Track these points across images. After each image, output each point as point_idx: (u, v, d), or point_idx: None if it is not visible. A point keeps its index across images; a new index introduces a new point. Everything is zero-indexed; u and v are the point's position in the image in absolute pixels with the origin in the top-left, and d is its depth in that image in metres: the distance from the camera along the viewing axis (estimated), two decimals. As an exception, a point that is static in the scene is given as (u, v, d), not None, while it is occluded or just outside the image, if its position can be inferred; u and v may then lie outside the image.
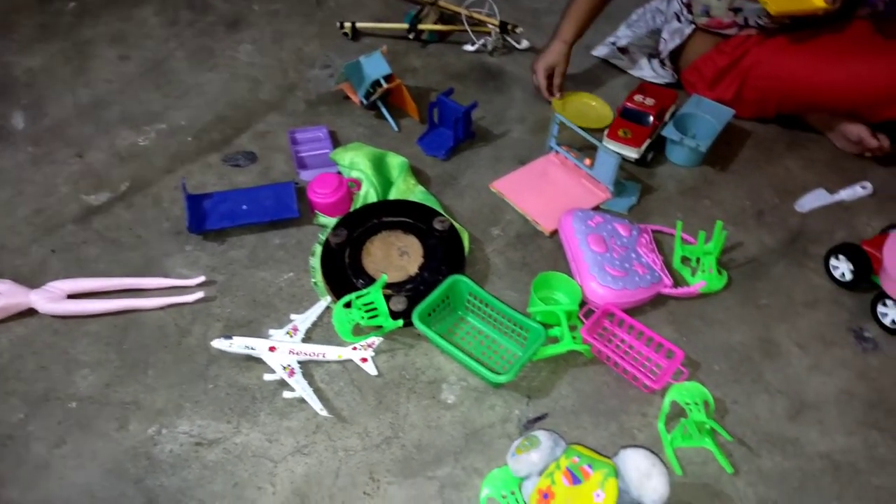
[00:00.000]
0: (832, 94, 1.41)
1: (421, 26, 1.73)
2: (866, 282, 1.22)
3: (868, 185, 1.44)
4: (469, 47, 1.74)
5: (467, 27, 1.72)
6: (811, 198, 1.42)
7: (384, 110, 1.54)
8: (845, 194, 1.43)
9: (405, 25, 1.74)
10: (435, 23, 1.76)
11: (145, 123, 1.53)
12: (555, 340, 1.12)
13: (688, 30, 1.57)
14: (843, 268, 1.24)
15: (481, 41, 1.73)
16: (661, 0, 1.87)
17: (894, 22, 1.42)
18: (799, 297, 1.25)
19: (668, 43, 1.63)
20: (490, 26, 1.74)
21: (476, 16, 1.77)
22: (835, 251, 1.25)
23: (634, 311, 1.21)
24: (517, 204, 1.39)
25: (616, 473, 0.87)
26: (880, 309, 1.19)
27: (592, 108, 1.63)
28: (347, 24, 1.75)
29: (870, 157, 1.50)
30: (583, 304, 1.19)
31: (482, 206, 1.40)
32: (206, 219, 1.29)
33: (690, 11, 1.56)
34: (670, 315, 1.22)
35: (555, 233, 1.33)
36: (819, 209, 1.41)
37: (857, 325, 1.20)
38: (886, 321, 1.18)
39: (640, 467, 0.86)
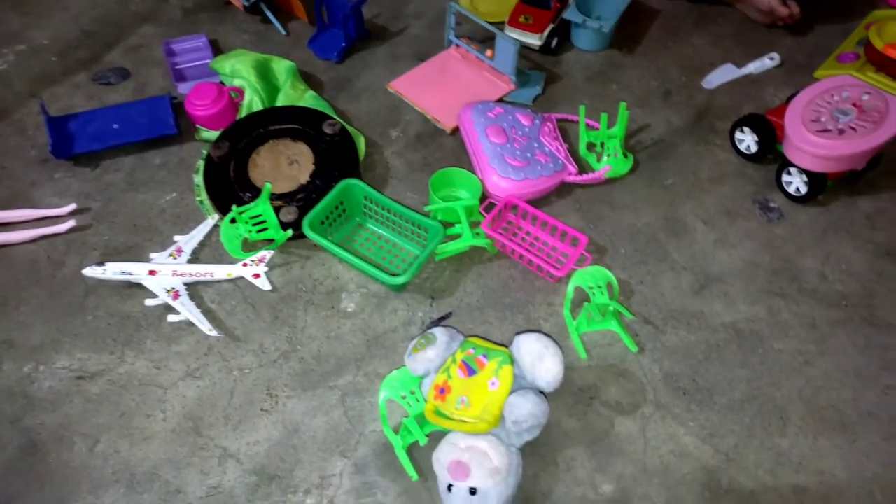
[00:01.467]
0: None
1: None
2: (771, 152, 1.20)
3: (776, 56, 1.40)
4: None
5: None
6: (719, 74, 1.38)
7: (269, 13, 1.42)
8: (753, 67, 1.39)
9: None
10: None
11: (2, 45, 1.38)
12: (457, 238, 1.08)
13: None
14: (748, 140, 1.22)
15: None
16: None
17: None
18: (705, 173, 1.22)
19: None
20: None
21: None
22: (739, 124, 1.22)
23: (540, 201, 1.17)
24: (416, 102, 1.31)
25: (511, 360, 0.85)
26: (784, 178, 1.17)
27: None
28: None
29: (781, 25, 1.46)
30: (485, 198, 1.14)
31: (380, 107, 1.32)
32: (73, 142, 1.18)
33: None
34: (576, 203, 1.18)
35: (456, 130, 1.26)
36: (727, 84, 1.37)
37: (763, 196, 1.19)
38: (791, 189, 1.17)
39: (532, 350, 0.84)
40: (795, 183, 1.16)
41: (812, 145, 1.09)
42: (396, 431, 0.89)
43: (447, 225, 1.11)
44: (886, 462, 0.90)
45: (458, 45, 1.39)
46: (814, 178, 1.13)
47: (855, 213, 1.16)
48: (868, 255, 1.11)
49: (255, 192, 1.10)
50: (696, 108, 1.33)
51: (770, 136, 1.19)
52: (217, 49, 1.39)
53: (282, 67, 1.29)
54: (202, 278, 1.04)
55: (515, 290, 1.07)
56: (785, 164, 1.16)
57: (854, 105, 1.12)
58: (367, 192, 1.10)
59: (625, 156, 1.22)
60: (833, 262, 1.10)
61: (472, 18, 1.32)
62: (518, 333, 0.89)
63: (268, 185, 1.07)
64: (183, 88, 1.29)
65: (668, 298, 1.06)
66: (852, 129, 1.08)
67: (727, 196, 1.19)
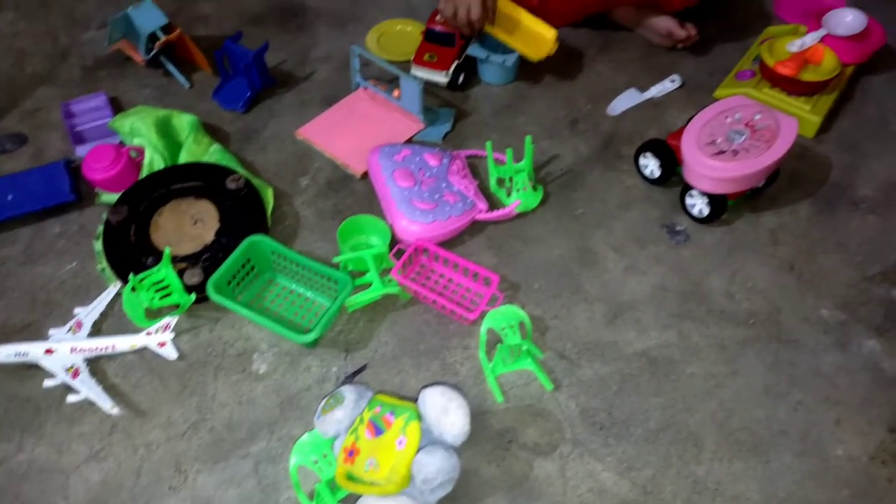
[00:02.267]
0: None
1: (205, -32, 1.57)
2: (674, 175, 1.23)
3: (677, 78, 1.44)
4: (264, -15, 1.60)
5: (255, -37, 1.57)
6: (623, 99, 1.41)
7: (170, 66, 1.40)
8: (655, 91, 1.42)
9: (188, -31, 1.57)
10: (223, -38, 1.60)
11: None
12: (368, 287, 1.07)
13: None
14: (651, 165, 1.24)
15: (275, -23, 1.59)
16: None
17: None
18: (613, 200, 1.24)
19: None
20: (282, -41, 1.59)
21: (265, -51, 1.62)
22: (642, 149, 1.25)
23: (453, 241, 1.17)
24: (325, 148, 1.30)
25: (418, 416, 0.83)
26: (687, 200, 1.20)
27: (409, 34, 1.53)
28: (121, -24, 1.56)
29: (681, 48, 1.49)
30: (395, 243, 1.13)
31: (288, 156, 1.30)
32: (-38, 218, 1.13)
33: None
34: (489, 240, 1.18)
35: (367, 174, 1.26)
36: (631, 110, 1.40)
37: (670, 219, 1.21)
38: (694, 211, 1.19)
39: (436, 404, 0.83)
40: (698, 205, 1.18)
41: (709, 168, 1.11)
42: (311, 498, 0.87)
43: (358, 274, 1.10)
44: (798, 480, 0.92)
45: (365, 87, 1.39)
46: (714, 200, 1.16)
47: (758, 230, 1.19)
48: (772, 270, 1.14)
49: (158, 255, 1.07)
50: (602, 135, 1.35)
51: (671, 160, 1.21)
52: (118, 107, 1.35)
53: (184, 122, 1.27)
54: (104, 352, 1.00)
55: (430, 335, 1.06)
56: (687, 187, 1.19)
57: (747, 125, 1.15)
58: (275, 248, 1.08)
59: (534, 189, 1.23)
60: (739, 281, 1.12)
61: (375, 61, 1.32)
62: (424, 387, 0.88)
63: (167, 249, 1.04)
64: (82, 151, 1.26)
65: (582, 331, 1.06)
66: (746, 149, 1.12)
67: (635, 222, 1.21)
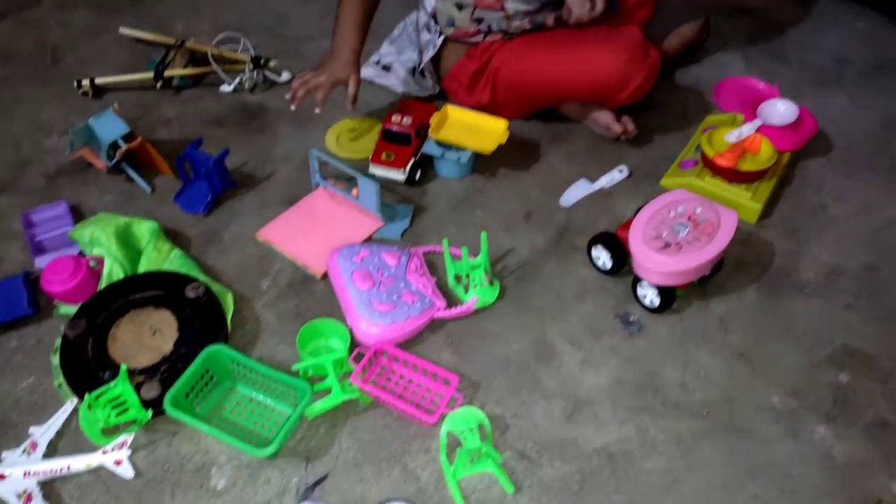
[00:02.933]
0: (570, 83, 1.47)
1: (168, 73, 1.62)
2: (625, 265, 1.27)
3: (624, 168, 1.50)
4: (226, 88, 1.65)
5: (217, 68, 1.62)
6: (574, 190, 1.46)
7: (131, 172, 1.43)
8: (604, 181, 1.48)
9: (151, 75, 1.62)
10: (185, 66, 1.65)
11: None
12: (328, 392, 1.07)
13: (438, 40, 1.57)
14: (602, 257, 1.28)
15: (237, 80, 1.65)
16: (418, 11, 1.88)
17: (617, 16, 1.50)
18: (569, 292, 1.27)
19: (424, 54, 1.62)
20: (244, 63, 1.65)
21: (227, 54, 1.68)
22: (594, 241, 1.29)
23: (412, 340, 1.18)
24: (285, 250, 1.33)
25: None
26: (639, 290, 1.23)
27: (367, 132, 1.59)
28: (86, 83, 1.60)
29: (624, 139, 1.56)
30: (354, 346, 1.15)
31: (249, 258, 1.32)
32: (-85, 338, 1.12)
33: (437, 23, 1.55)
34: (448, 337, 1.20)
35: (326, 274, 1.28)
36: (583, 200, 1.45)
37: (623, 309, 1.24)
38: (646, 301, 1.23)
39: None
40: (649, 295, 1.22)
41: (655, 263, 1.16)
42: None
43: (318, 379, 1.10)
44: (758, 576, 0.92)
45: (324, 186, 1.43)
46: (664, 291, 1.19)
47: (708, 318, 1.23)
48: (723, 359, 1.17)
49: (115, 369, 1.07)
50: (556, 226, 1.40)
51: (621, 251, 1.25)
52: (79, 214, 1.37)
53: (144, 229, 1.28)
54: (59, 474, 0.98)
55: (391, 439, 1.06)
56: (638, 278, 1.23)
57: (689, 219, 1.21)
58: (234, 357, 1.08)
59: (491, 283, 1.26)
60: (692, 371, 1.15)
61: (333, 163, 1.37)
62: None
63: (123, 366, 1.04)
64: (41, 262, 1.26)
65: (542, 429, 1.08)
66: (689, 243, 1.16)
67: (590, 313, 1.24)
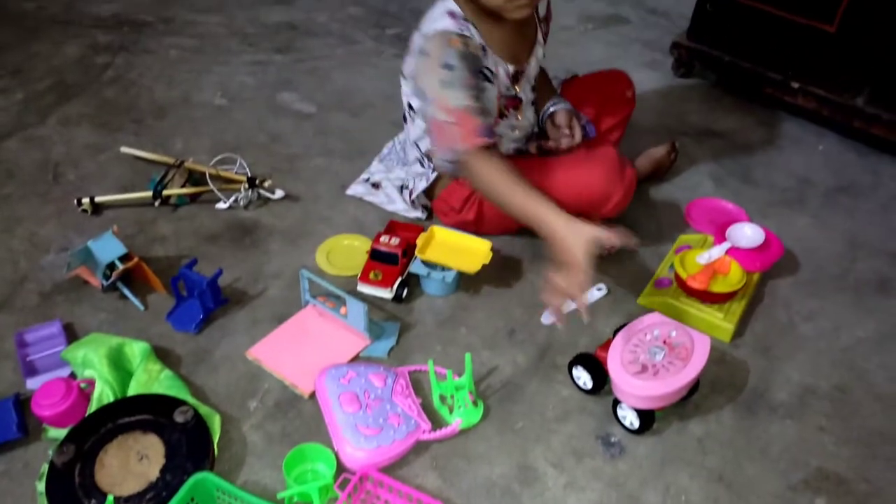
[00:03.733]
0: (555, 200, 1.53)
1: (166, 192, 1.69)
2: (605, 385, 1.31)
3: (603, 286, 1.56)
4: (221, 205, 1.73)
5: (214, 188, 1.70)
6: (555, 308, 1.51)
7: (126, 291, 1.47)
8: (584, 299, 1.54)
9: (150, 193, 1.69)
10: (183, 185, 1.73)
11: None
12: (313, 521, 1.08)
13: (432, 175, 1.64)
14: (583, 377, 1.32)
15: (232, 198, 1.72)
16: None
17: (593, 140, 1.61)
18: (551, 413, 1.30)
19: (416, 185, 1.68)
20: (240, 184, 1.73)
21: (224, 174, 1.77)
22: (574, 362, 1.33)
23: (398, 463, 1.20)
24: (273, 369, 1.35)
25: None
26: (619, 412, 1.27)
27: (356, 248, 1.65)
28: (86, 201, 1.67)
29: (605, 256, 1.63)
30: (340, 471, 1.16)
31: (238, 378, 1.34)
32: None
33: (430, 160, 1.63)
34: (433, 460, 1.22)
35: (314, 394, 1.30)
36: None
37: (605, 430, 1.27)
38: (626, 423, 1.26)
39: None
40: (629, 417, 1.25)
41: (633, 387, 1.20)
42: None
43: (304, 506, 1.11)
44: None
45: (314, 304, 1.47)
46: (643, 414, 1.23)
47: (687, 439, 1.26)
48: (703, 482, 1.19)
49: (102, 497, 1.07)
50: (538, 345, 1.44)
51: (600, 372, 1.30)
52: (72, 333, 1.40)
53: (136, 350, 1.31)
54: None
55: (376, 570, 1.06)
56: (618, 399, 1.27)
57: (664, 342, 1.26)
58: (220, 485, 1.09)
59: (475, 404, 1.29)
60: (673, 495, 1.17)
61: (323, 285, 1.42)
62: None
63: (110, 497, 1.05)
64: (32, 383, 1.28)
65: (526, 558, 1.08)
66: (665, 367, 1.21)
67: (573, 434, 1.27)
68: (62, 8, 2.57)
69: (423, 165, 1.67)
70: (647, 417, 1.23)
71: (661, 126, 2.10)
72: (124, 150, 1.86)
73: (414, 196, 1.69)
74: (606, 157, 1.52)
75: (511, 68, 1.48)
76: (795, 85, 2.01)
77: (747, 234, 1.55)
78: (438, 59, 1.32)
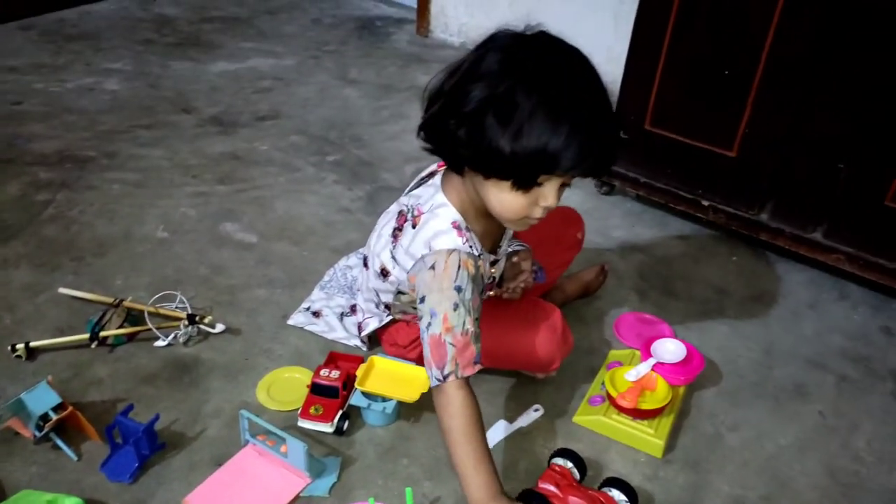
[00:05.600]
0: (498, 360, 1.59)
1: (104, 333, 1.69)
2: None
3: (539, 407, 1.61)
4: (160, 343, 1.73)
5: (152, 327, 1.72)
6: (493, 432, 1.55)
7: (59, 441, 1.44)
8: (522, 421, 1.58)
9: (86, 336, 1.69)
10: (121, 325, 1.74)
11: None
12: None
13: (386, 319, 1.66)
14: (530, 510, 1.34)
15: (171, 336, 1.74)
16: (348, 257, 2.06)
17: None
18: (493, 546, 1.31)
19: (368, 323, 1.70)
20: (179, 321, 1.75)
21: (163, 312, 1.79)
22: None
23: None
24: (212, 517, 1.34)
25: None
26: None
27: (297, 381, 1.66)
28: (20, 346, 1.66)
29: (541, 378, 1.68)
30: None
31: (174, 529, 1.32)
32: None
33: (388, 308, 1.64)
34: None
35: (253, 541, 1.29)
36: (503, 441, 1.54)
37: (546, 560, 1.28)
38: (567, 552, 1.28)
39: None
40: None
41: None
42: None
43: None
44: None
45: (254, 444, 1.47)
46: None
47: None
48: None
49: None
50: (479, 472, 1.46)
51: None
52: (1, 491, 1.36)
53: (68, 506, 1.28)
54: None
55: None
56: None
57: None
58: None
59: (417, 541, 1.29)
60: None
61: (263, 424, 1.43)
62: None
63: None
64: (-47, 550, 1.23)
65: None
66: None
67: (515, 567, 1.27)
68: (3, 146, 2.61)
69: (377, 308, 1.66)
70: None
71: (587, 242, 2.20)
72: (62, 290, 1.86)
73: (364, 335, 1.72)
74: (553, 326, 1.55)
75: (491, 257, 1.47)
76: (706, 203, 2.19)
77: (670, 349, 1.64)
78: (450, 279, 1.28)
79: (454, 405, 1.29)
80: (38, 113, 2.88)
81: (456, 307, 1.28)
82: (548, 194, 1.23)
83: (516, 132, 1.14)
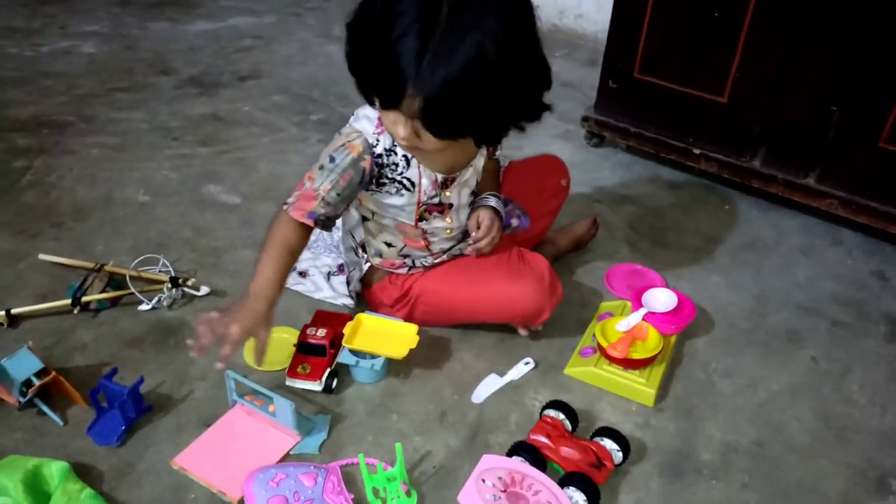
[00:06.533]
0: (488, 313, 1.60)
1: (85, 298, 1.66)
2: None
3: (530, 360, 1.60)
4: (144, 307, 1.71)
5: (134, 290, 1.69)
6: (484, 386, 1.54)
7: (44, 407, 1.42)
8: (513, 374, 1.57)
9: (68, 301, 1.66)
10: (103, 289, 1.71)
11: None
12: None
13: (365, 266, 1.66)
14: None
15: (155, 299, 1.71)
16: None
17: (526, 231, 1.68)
18: (484, 496, 1.31)
19: (352, 276, 1.70)
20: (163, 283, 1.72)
21: (145, 275, 1.75)
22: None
23: (331, 566, 1.18)
24: (200, 476, 1.32)
25: None
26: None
27: (285, 341, 1.64)
28: (1, 314, 1.62)
29: (527, 333, 1.66)
30: (271, 582, 1.13)
31: (163, 490, 1.31)
32: None
33: (364, 251, 1.66)
34: (367, 559, 1.20)
35: (242, 500, 1.28)
36: (494, 395, 1.53)
37: (538, 509, 1.28)
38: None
39: None
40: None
41: None
42: None
43: None
44: None
45: (241, 404, 1.46)
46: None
47: (618, 511, 1.28)
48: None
49: None
50: (469, 425, 1.45)
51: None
52: (-15, 460, 1.34)
53: (54, 471, 1.27)
54: None
55: None
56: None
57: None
58: None
59: (408, 494, 1.28)
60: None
61: (249, 384, 1.41)
62: None
63: None
64: (-61, 518, 1.21)
65: None
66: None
67: (507, 518, 1.27)
68: (-23, 113, 2.55)
69: (356, 255, 1.68)
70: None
71: (578, 195, 2.19)
72: (42, 257, 1.83)
73: (351, 288, 1.71)
74: (538, 274, 1.54)
75: (439, 177, 1.46)
76: (697, 151, 2.15)
77: (661, 298, 1.62)
78: (334, 149, 1.39)
79: (278, 226, 1.44)
80: (12, 78, 2.81)
81: (321, 168, 1.39)
82: (395, 122, 1.26)
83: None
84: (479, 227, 1.54)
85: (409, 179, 1.44)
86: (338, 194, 1.39)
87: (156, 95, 2.74)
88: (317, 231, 1.97)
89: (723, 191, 2.25)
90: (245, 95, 2.77)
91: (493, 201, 1.57)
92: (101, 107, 2.64)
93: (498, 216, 1.56)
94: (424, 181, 1.45)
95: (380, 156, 1.40)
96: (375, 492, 1.30)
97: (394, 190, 1.45)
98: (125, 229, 1.99)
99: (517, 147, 2.43)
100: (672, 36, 2.06)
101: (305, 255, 1.91)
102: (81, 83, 2.79)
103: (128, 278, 1.71)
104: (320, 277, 1.83)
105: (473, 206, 1.58)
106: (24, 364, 1.40)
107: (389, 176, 1.43)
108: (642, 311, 1.58)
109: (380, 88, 1.23)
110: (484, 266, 1.57)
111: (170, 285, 1.71)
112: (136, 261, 1.77)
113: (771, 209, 2.17)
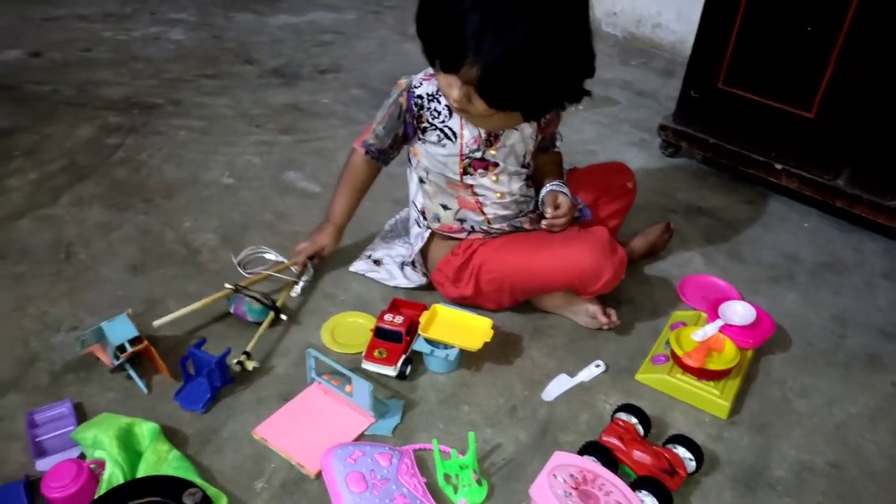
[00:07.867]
0: (547, 277, 1.62)
1: (279, 302, 1.73)
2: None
3: (601, 363, 1.60)
4: (297, 290, 1.77)
5: (295, 278, 1.79)
6: (555, 385, 1.55)
7: (132, 373, 1.49)
8: (583, 375, 1.58)
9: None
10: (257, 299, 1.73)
11: None
12: None
13: (426, 234, 1.72)
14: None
15: (304, 278, 1.80)
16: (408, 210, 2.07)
17: (589, 223, 1.69)
18: (554, 492, 1.32)
19: (414, 246, 1.77)
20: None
21: (274, 270, 1.79)
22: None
23: (403, 545, 1.21)
24: (280, 448, 1.37)
25: None
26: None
27: (360, 326, 1.68)
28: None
29: (607, 329, 1.68)
30: (347, 554, 1.17)
31: (244, 458, 1.36)
32: None
33: (425, 218, 1.72)
34: (439, 541, 1.23)
35: (320, 473, 1.32)
36: (564, 394, 1.54)
37: (608, 510, 1.29)
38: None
39: None
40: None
41: None
42: None
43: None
44: None
45: (319, 382, 1.50)
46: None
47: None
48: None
49: (109, 583, 1.08)
50: (539, 421, 1.47)
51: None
52: (82, 413, 1.42)
53: (145, 430, 1.33)
54: None
55: None
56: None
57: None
58: None
59: (479, 484, 1.31)
60: (677, 576, 1.18)
61: (329, 363, 1.45)
62: None
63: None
64: (42, 465, 1.29)
65: None
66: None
67: (576, 515, 1.28)
68: (75, 91, 2.69)
69: (419, 225, 1.75)
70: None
71: (652, 204, 2.18)
72: (156, 323, 1.62)
73: (413, 256, 1.76)
74: (597, 236, 1.59)
75: (482, 132, 1.54)
76: (778, 166, 2.12)
77: (739, 311, 1.60)
78: (391, 92, 1.60)
79: (348, 160, 1.75)
80: (106, 60, 2.95)
81: (380, 106, 1.62)
82: (451, 85, 1.39)
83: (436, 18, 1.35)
84: (557, 207, 1.62)
85: (450, 129, 1.55)
86: (383, 128, 1.61)
87: (240, 83, 2.83)
88: (391, 222, 2.05)
89: (801, 208, 2.21)
90: (324, 88, 2.85)
91: (566, 188, 1.67)
92: (188, 91, 2.74)
93: (572, 199, 1.65)
94: (466, 133, 1.55)
95: (420, 97, 1.54)
96: (447, 478, 1.32)
97: (435, 138, 1.56)
98: (210, 209, 2.07)
99: (591, 153, 2.45)
100: (761, 48, 2.03)
101: (379, 244, 1.96)
102: (170, 68, 2.91)
103: (271, 273, 1.76)
104: (394, 266, 1.87)
105: (543, 192, 1.67)
106: (121, 329, 1.48)
107: (430, 121, 1.55)
108: (719, 323, 1.57)
109: (443, 53, 1.35)
110: (544, 235, 1.66)
111: (309, 265, 1.81)
112: (239, 257, 1.83)
113: (853, 231, 2.12)
